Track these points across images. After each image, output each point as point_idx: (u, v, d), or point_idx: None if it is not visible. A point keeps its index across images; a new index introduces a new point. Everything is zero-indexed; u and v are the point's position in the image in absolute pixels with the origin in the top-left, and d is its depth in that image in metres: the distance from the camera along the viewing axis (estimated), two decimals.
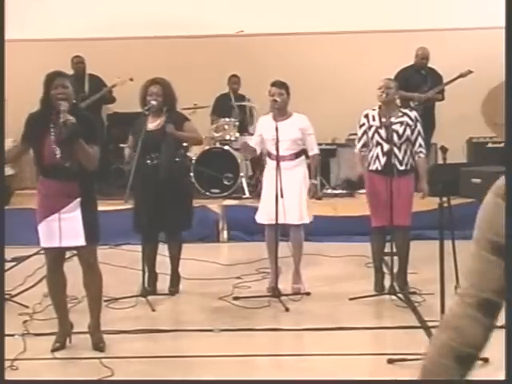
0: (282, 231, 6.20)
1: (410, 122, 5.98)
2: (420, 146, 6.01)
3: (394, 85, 6.06)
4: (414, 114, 6.07)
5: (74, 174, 4.58)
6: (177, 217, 6.08)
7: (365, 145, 6.11)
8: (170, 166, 5.99)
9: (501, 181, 1.75)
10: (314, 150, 6.19)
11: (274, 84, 6.10)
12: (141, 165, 5.88)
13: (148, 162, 5.96)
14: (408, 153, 6.01)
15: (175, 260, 6.26)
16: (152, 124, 6.00)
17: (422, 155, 6.03)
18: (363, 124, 6.07)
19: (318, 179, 9.06)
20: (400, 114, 6.01)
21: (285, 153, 6.01)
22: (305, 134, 6.09)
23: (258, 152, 6.32)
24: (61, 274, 4.85)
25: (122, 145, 9.45)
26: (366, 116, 6.05)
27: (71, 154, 4.54)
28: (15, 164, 4.76)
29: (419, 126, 6.02)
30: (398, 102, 6.12)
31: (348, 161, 9.31)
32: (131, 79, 8.94)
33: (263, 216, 6.13)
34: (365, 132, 6.07)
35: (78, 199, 4.65)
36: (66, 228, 4.62)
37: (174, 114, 6.09)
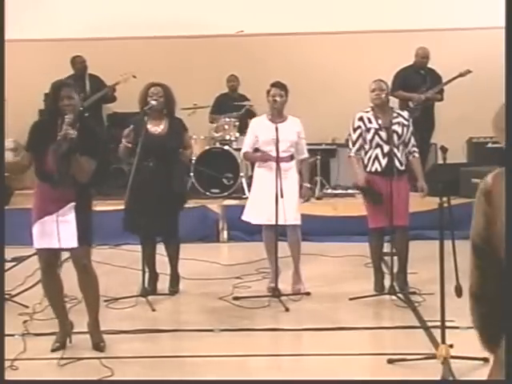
0: (279, 231, 6.19)
1: (406, 122, 6.03)
2: (413, 145, 6.07)
3: (387, 86, 6.11)
4: (405, 113, 6.16)
5: (71, 182, 4.60)
6: (172, 219, 6.09)
7: (360, 148, 6.10)
8: (171, 170, 6.00)
9: (488, 177, 1.74)
10: (305, 154, 6.29)
11: (274, 85, 6.11)
12: (140, 167, 5.88)
13: (150, 164, 5.96)
14: (404, 153, 6.04)
15: (174, 260, 6.26)
16: (154, 128, 6.01)
17: (416, 154, 6.09)
18: (358, 127, 6.04)
19: (318, 179, 9.11)
20: (395, 114, 6.05)
21: (282, 154, 6.02)
22: (300, 138, 6.15)
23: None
24: (55, 276, 4.85)
25: (121, 145, 9.51)
26: (361, 119, 6.02)
27: (67, 166, 4.56)
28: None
29: (411, 126, 6.08)
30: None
31: (348, 162, 9.29)
32: (134, 76, 8.94)
33: (261, 217, 6.10)
34: (360, 135, 6.05)
35: (73, 203, 4.67)
36: (59, 229, 4.62)
37: (175, 121, 6.12)
